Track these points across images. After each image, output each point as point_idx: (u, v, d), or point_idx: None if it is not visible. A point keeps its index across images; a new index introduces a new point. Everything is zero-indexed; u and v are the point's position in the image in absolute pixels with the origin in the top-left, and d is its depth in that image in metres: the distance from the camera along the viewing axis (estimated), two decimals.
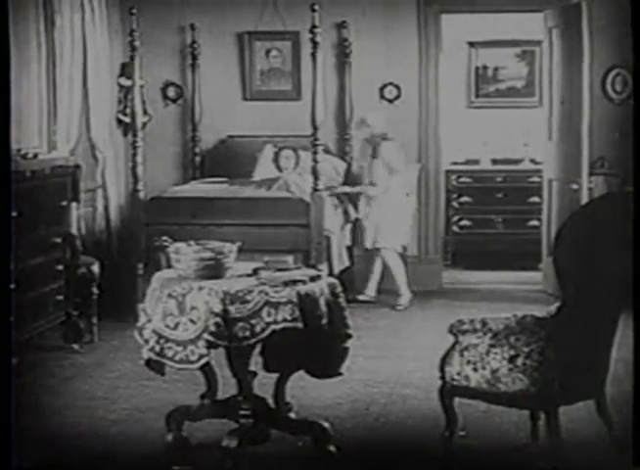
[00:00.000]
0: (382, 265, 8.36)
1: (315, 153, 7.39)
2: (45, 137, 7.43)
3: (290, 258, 4.71)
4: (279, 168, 8.32)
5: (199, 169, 9.02)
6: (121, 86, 8.65)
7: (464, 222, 10.19)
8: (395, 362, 6.38)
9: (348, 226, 8.48)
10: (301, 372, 4.72)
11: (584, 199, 7.80)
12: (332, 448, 4.62)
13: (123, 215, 8.46)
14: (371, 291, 8.37)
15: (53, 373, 6.15)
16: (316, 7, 7.27)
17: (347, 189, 8.43)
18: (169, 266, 4.74)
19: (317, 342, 4.52)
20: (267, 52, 8.97)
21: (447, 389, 4.48)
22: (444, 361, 4.49)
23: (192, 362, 4.33)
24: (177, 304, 4.36)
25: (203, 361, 4.31)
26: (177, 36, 9.01)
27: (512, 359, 4.28)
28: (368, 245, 8.28)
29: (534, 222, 9.67)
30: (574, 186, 8.05)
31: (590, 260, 4.19)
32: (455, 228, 10.18)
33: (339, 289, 4.60)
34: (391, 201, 8.19)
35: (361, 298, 8.27)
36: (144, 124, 8.08)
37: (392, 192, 8.18)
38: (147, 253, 7.38)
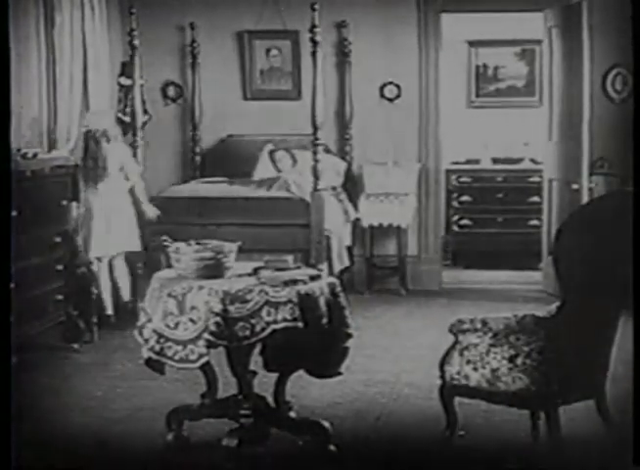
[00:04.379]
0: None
1: (315, 152, 7.39)
2: (45, 137, 7.42)
3: (290, 258, 4.71)
4: (277, 169, 8.33)
5: (199, 169, 9.01)
6: (121, 85, 8.63)
7: (464, 222, 10.18)
8: (395, 362, 6.37)
9: (349, 226, 8.49)
10: (301, 372, 4.72)
11: (584, 199, 7.79)
12: (332, 448, 4.62)
13: None
14: None
15: (53, 373, 6.15)
16: (316, 6, 7.28)
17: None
18: (169, 266, 4.74)
19: (317, 341, 4.52)
20: (267, 51, 8.96)
21: (447, 388, 4.48)
22: (444, 361, 4.49)
23: (192, 362, 4.33)
24: (177, 303, 4.36)
25: (202, 361, 4.31)
26: (177, 35, 9.00)
27: (512, 359, 4.28)
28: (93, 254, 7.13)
29: (534, 222, 9.67)
30: (575, 186, 8.04)
31: (590, 260, 4.19)
32: (455, 228, 10.18)
33: (339, 289, 4.60)
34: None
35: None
36: (144, 124, 8.08)
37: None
38: (147, 252, 7.38)
